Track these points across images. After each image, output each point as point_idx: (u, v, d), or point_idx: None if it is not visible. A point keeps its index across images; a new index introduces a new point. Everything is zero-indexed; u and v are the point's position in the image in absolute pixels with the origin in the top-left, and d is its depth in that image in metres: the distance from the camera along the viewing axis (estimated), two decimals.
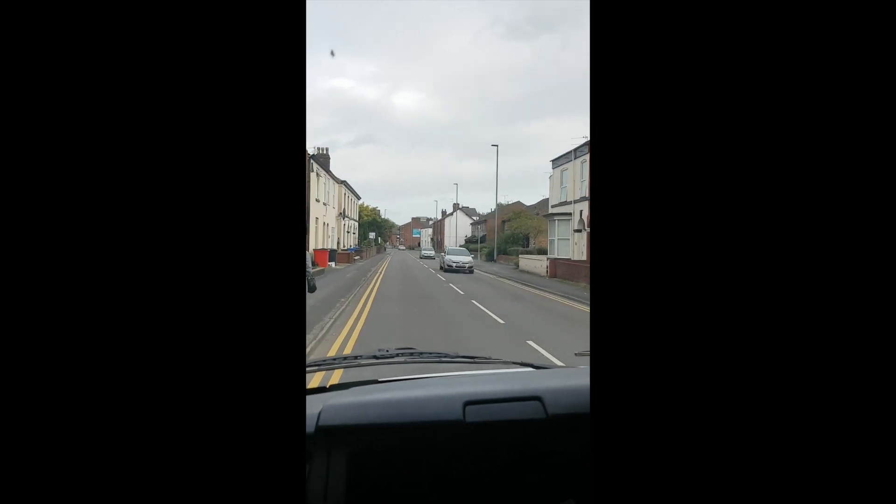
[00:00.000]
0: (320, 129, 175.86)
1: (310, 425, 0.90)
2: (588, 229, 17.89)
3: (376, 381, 1.22)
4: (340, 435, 0.91)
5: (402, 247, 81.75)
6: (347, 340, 6.68)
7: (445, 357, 1.41)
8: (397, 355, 1.38)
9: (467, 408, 0.95)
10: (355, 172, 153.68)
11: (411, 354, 1.40)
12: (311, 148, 24.55)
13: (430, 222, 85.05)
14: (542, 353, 6.11)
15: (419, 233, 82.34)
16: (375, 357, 1.37)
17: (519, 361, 1.45)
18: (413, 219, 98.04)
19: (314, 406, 0.94)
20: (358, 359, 1.37)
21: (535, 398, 0.99)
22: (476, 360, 1.46)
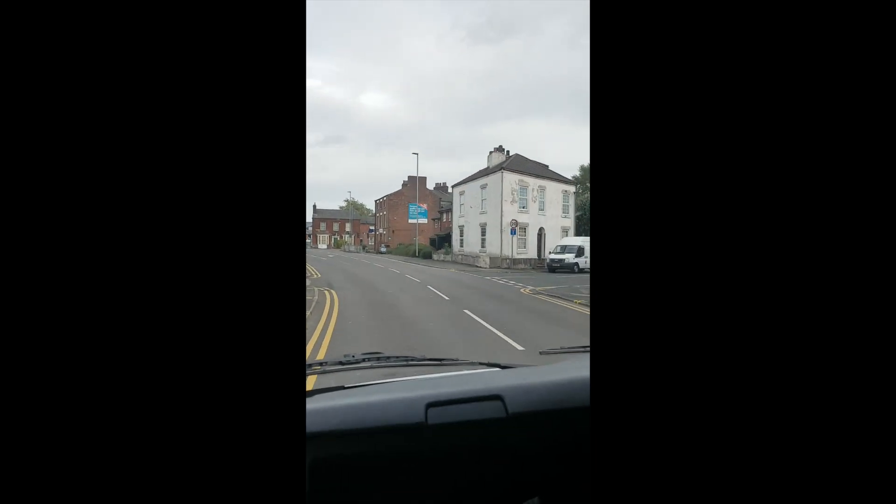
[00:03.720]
0: None
1: None
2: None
3: (342, 388, 1.19)
4: None
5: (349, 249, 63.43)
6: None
7: (412, 360, 1.41)
8: (363, 360, 1.37)
9: (429, 410, 0.96)
10: (326, 172, 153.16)
11: (378, 359, 1.38)
12: None
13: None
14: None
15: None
16: (341, 363, 1.36)
17: (486, 362, 1.45)
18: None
19: None
20: (323, 365, 1.36)
21: (496, 397, 1.00)
22: (444, 361, 1.46)
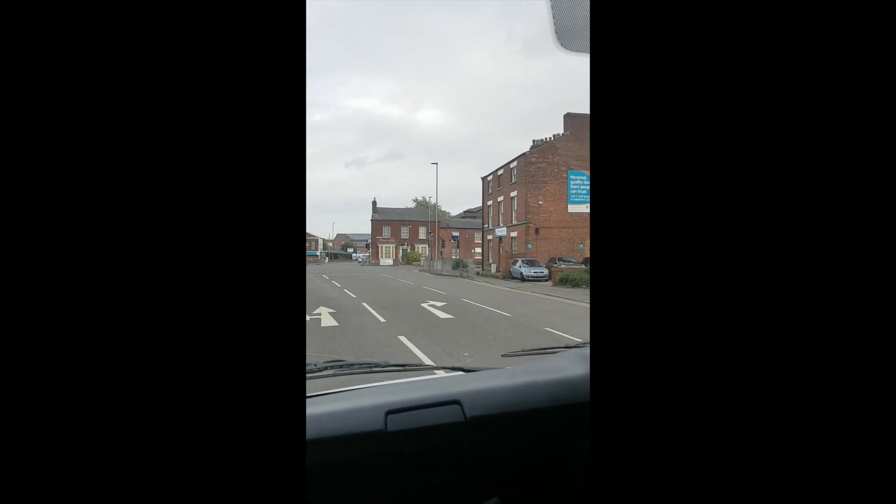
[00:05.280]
0: (350, 147, 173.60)
1: None
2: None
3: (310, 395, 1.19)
4: None
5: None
6: None
7: (376, 366, 1.42)
8: (325, 368, 1.36)
9: (389, 417, 0.98)
10: (387, 185, 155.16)
11: (340, 367, 1.38)
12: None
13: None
14: None
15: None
16: None
17: (449, 366, 1.48)
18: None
19: None
20: None
21: (455, 402, 1.02)
22: (407, 367, 1.47)
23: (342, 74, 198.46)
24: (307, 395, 1.15)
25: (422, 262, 44.02)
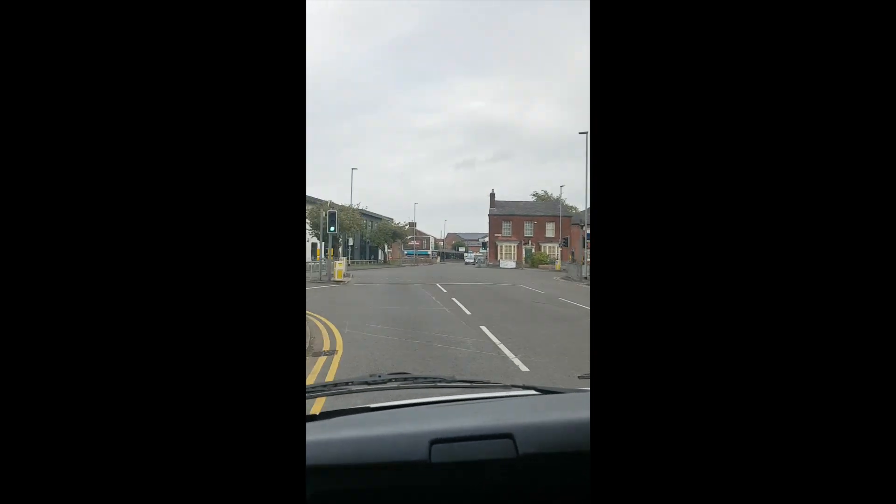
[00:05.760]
0: (460, 149, 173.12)
1: None
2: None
3: (368, 409, 1.20)
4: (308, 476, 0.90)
5: None
6: None
7: (440, 381, 1.38)
8: (390, 380, 1.35)
9: (434, 447, 0.92)
10: (492, 187, 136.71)
11: (405, 380, 1.38)
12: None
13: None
14: None
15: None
16: (367, 383, 1.35)
17: (521, 385, 1.38)
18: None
19: None
20: (349, 385, 1.35)
21: (507, 435, 0.94)
22: (475, 384, 1.42)
23: (451, 78, 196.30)
24: (372, 406, 1.20)
25: (558, 265, 35.27)
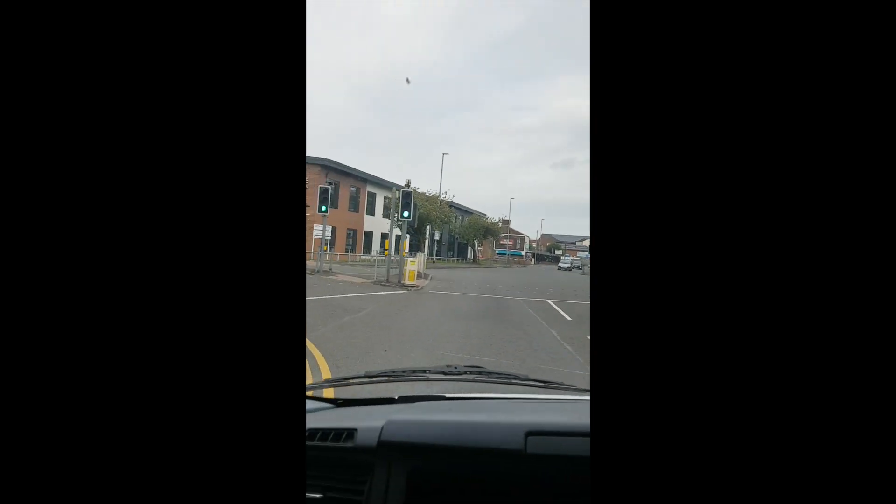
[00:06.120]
0: (558, 148, 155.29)
1: (372, 439, 0.95)
2: None
3: (444, 398, 1.21)
4: (401, 451, 0.95)
5: None
6: None
7: (514, 379, 1.39)
8: (465, 372, 1.40)
9: (529, 438, 0.93)
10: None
11: (480, 374, 1.40)
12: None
13: None
14: None
15: None
16: (444, 373, 1.40)
17: None
18: None
19: (378, 419, 0.99)
20: (426, 373, 1.40)
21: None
22: (548, 385, 1.41)
23: (551, 77, 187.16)
24: (448, 395, 1.22)
25: None
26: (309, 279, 14.76)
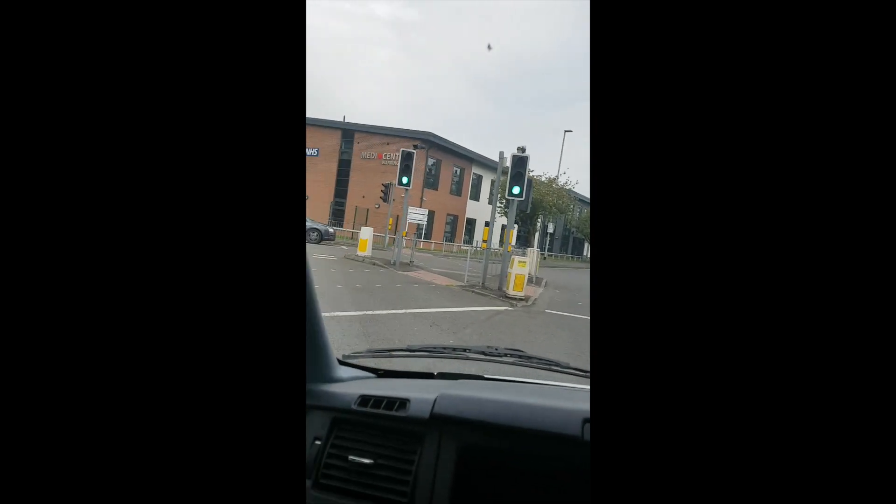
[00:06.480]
0: None
1: (425, 411, 0.97)
2: None
3: (482, 378, 1.23)
4: (453, 425, 0.96)
5: None
6: None
7: (556, 365, 1.35)
8: (506, 355, 1.36)
9: (586, 425, 0.92)
10: None
11: (520, 357, 1.36)
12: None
13: None
14: None
15: None
16: (484, 353, 1.37)
17: None
18: None
19: (428, 392, 1.02)
20: (467, 352, 1.38)
21: None
22: (589, 373, 1.36)
23: None
24: (486, 376, 1.23)
25: None
26: (376, 273, 10.80)
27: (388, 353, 1.42)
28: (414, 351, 1.39)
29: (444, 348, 1.40)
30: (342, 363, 1.27)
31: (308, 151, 29.75)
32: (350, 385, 1.14)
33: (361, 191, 26.00)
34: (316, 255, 12.48)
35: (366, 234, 13.56)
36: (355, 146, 27.49)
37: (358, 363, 1.31)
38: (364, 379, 1.22)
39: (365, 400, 1.02)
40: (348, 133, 27.83)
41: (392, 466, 0.94)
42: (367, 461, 0.94)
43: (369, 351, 1.44)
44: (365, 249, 13.31)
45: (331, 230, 17.70)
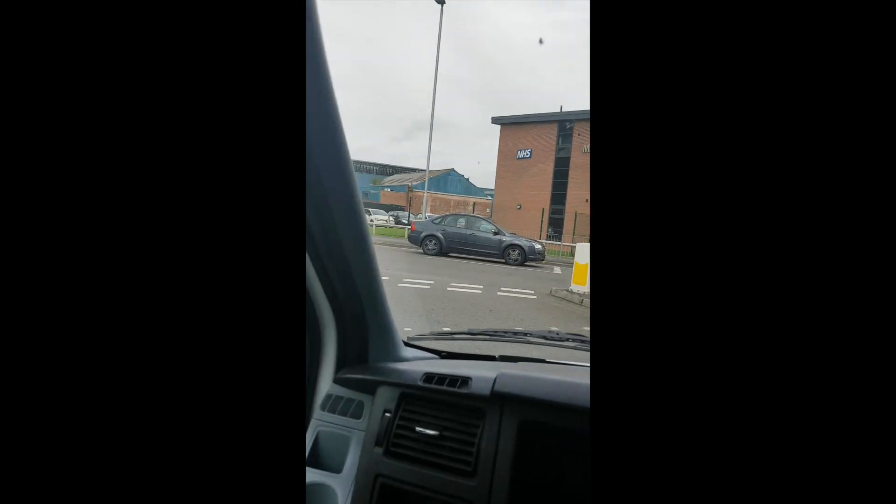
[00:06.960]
0: None
1: (486, 388, 1.04)
2: None
3: (544, 361, 1.29)
4: (513, 403, 1.02)
5: None
6: None
7: None
8: (568, 340, 1.40)
9: None
10: None
11: (583, 342, 1.39)
12: None
13: None
14: None
15: None
16: (545, 338, 1.41)
17: None
18: None
19: (489, 371, 1.08)
20: (528, 336, 1.43)
21: None
22: None
23: None
24: (548, 360, 1.29)
25: None
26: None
27: (450, 336, 1.47)
28: (476, 334, 1.43)
29: (506, 332, 1.43)
30: (408, 345, 1.33)
31: (520, 154, 25.99)
32: (415, 364, 1.23)
33: (583, 193, 20.92)
34: (503, 288, 7.98)
35: (583, 254, 8.22)
36: (574, 139, 22.56)
37: (422, 345, 1.38)
38: (428, 359, 1.30)
39: (429, 377, 1.10)
40: (565, 126, 23.07)
41: (456, 438, 1.02)
42: (432, 433, 1.03)
43: (432, 333, 1.48)
44: (584, 282, 7.80)
45: (537, 246, 12.99)
